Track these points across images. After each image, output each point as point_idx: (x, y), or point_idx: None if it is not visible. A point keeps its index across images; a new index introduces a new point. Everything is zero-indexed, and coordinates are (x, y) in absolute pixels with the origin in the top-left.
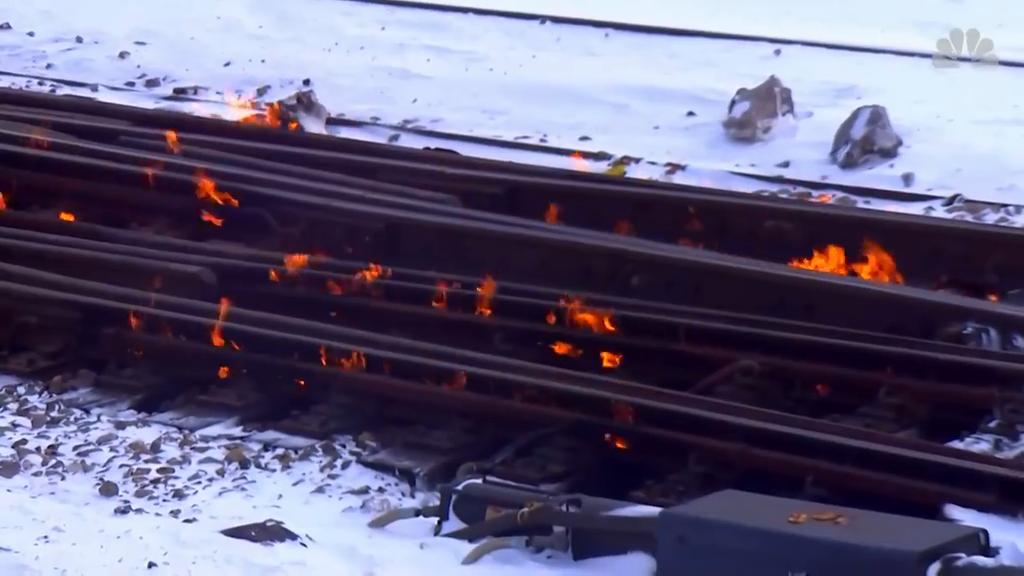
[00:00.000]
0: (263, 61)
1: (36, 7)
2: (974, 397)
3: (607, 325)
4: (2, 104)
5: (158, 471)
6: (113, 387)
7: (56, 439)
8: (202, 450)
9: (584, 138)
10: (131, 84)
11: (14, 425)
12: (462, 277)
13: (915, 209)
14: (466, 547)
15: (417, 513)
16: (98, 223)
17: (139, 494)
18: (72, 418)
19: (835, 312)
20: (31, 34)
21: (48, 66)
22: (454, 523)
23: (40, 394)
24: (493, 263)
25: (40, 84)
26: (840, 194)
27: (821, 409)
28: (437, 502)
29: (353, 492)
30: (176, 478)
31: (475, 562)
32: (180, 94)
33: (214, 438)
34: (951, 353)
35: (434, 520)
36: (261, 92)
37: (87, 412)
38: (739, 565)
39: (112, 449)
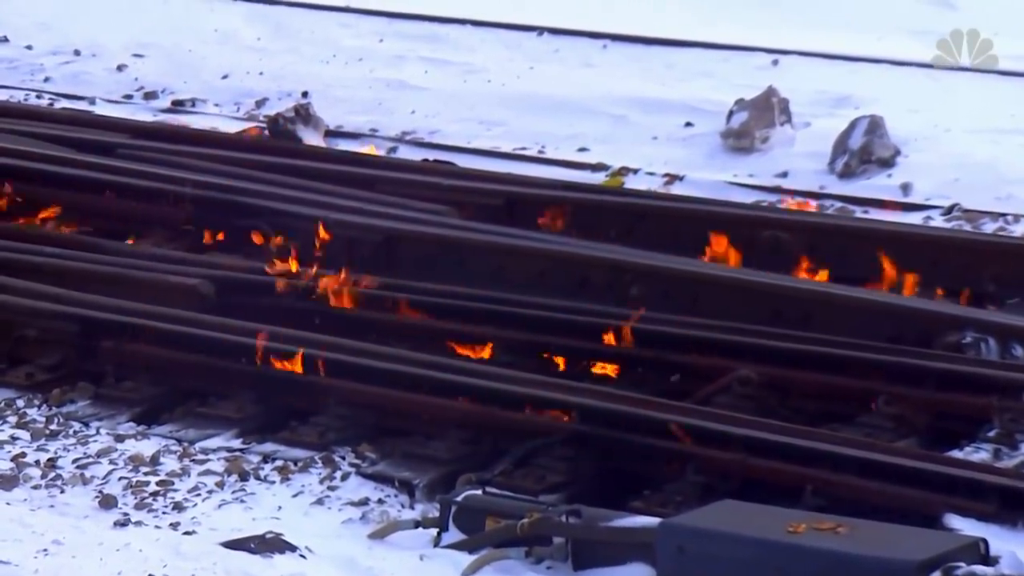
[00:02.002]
0: (261, 73)
1: (34, 20)
2: (973, 406)
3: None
4: (0, 118)
5: (157, 484)
6: (112, 400)
7: (55, 452)
8: (201, 462)
9: (582, 149)
10: (129, 97)
11: (13, 438)
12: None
13: (913, 219)
14: (466, 558)
15: (416, 524)
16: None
17: (138, 507)
18: (71, 431)
19: (833, 322)
20: (29, 47)
21: (46, 79)
22: (454, 534)
23: (39, 407)
24: (491, 274)
25: (38, 97)
26: (838, 204)
27: (819, 419)
28: (436, 513)
29: (352, 504)
30: (175, 491)
31: (475, 573)
32: (178, 106)
33: (213, 450)
34: (950, 362)
35: (434, 531)
36: (259, 104)
37: (86, 425)
38: (738, 575)
39: (111, 462)
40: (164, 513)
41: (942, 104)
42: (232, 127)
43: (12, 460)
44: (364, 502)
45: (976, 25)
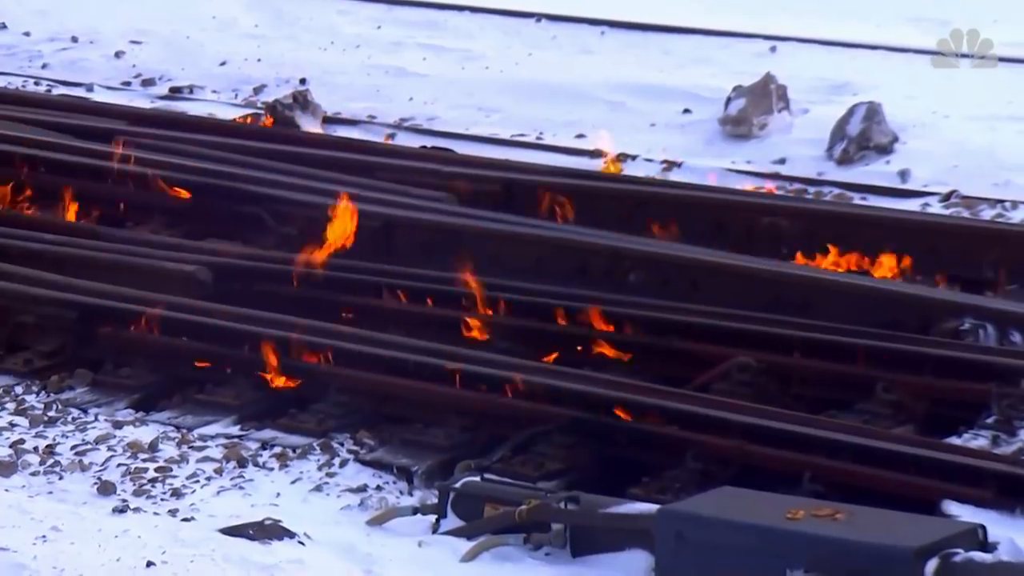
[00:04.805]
0: (259, 60)
1: (31, 7)
2: (971, 393)
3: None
4: None
5: (156, 470)
6: (110, 386)
7: (54, 439)
8: (200, 449)
9: (580, 135)
10: (127, 84)
11: (12, 425)
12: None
13: (912, 205)
14: (464, 545)
15: (415, 511)
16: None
17: (137, 493)
18: (70, 418)
19: (832, 308)
20: (27, 34)
21: (44, 66)
22: (452, 521)
23: (37, 394)
24: (489, 261)
25: (36, 84)
26: (836, 191)
27: (818, 405)
28: (435, 500)
29: (351, 490)
30: (174, 477)
31: (473, 560)
32: (176, 93)
33: (212, 437)
34: (948, 349)
35: (432, 518)
36: (257, 91)
37: (85, 411)
38: (737, 561)
39: (110, 448)
40: (163, 499)
41: (940, 91)
42: (230, 114)
43: (10, 447)
44: (362, 489)
45: (976, 13)
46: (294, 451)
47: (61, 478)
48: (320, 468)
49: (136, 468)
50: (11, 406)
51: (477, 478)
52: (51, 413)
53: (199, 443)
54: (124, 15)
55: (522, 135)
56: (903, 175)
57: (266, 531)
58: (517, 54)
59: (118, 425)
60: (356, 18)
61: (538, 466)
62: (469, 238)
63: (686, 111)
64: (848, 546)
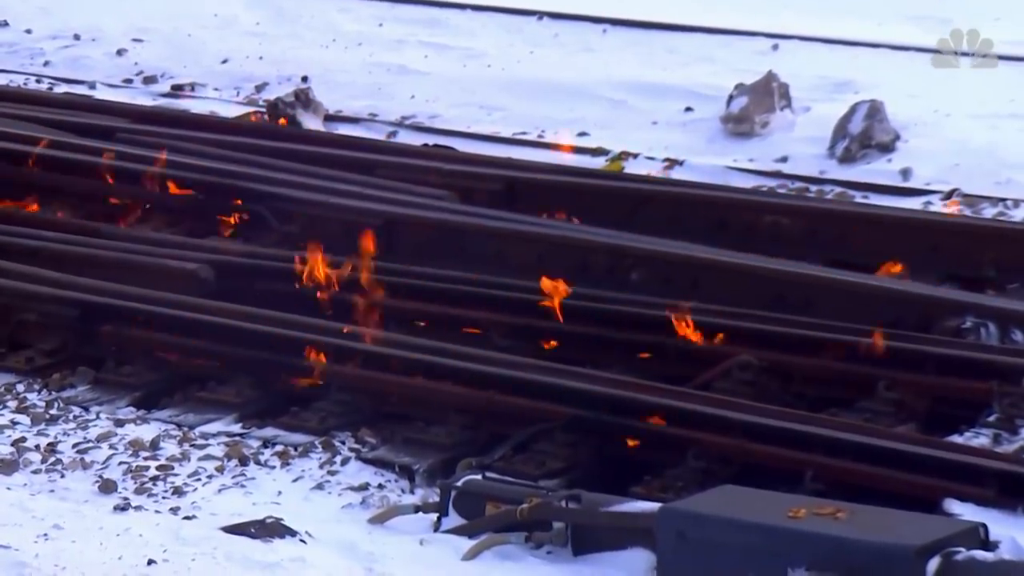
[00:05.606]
0: (260, 58)
1: (34, 4)
2: (973, 391)
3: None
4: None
5: (157, 468)
6: (112, 384)
7: (55, 437)
8: (201, 447)
9: (582, 134)
10: (129, 81)
11: (13, 423)
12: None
13: (913, 204)
14: (466, 543)
15: (417, 509)
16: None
17: (138, 491)
18: (71, 416)
19: (834, 307)
20: (28, 31)
21: (46, 63)
22: (454, 519)
23: (39, 392)
24: (491, 258)
25: (38, 81)
26: (838, 189)
27: (820, 403)
28: (437, 498)
29: (352, 488)
30: (175, 475)
31: (475, 558)
32: (178, 91)
33: (213, 435)
34: (950, 347)
35: (434, 516)
36: (259, 89)
37: (86, 410)
38: (739, 560)
39: (111, 447)
40: (164, 498)
41: (942, 89)
42: (232, 112)
43: (12, 445)
44: (364, 487)
45: (978, 11)
46: (296, 449)
47: (62, 476)
48: (322, 466)
49: (137, 466)
50: (13, 404)
51: (479, 476)
52: (52, 411)
53: (200, 441)
54: (126, 13)
55: (524, 133)
56: (905, 173)
57: (268, 529)
58: (519, 52)
59: (119, 423)
60: (357, 16)
61: (540, 464)
62: (470, 236)
63: (688, 109)
64: (849, 545)
